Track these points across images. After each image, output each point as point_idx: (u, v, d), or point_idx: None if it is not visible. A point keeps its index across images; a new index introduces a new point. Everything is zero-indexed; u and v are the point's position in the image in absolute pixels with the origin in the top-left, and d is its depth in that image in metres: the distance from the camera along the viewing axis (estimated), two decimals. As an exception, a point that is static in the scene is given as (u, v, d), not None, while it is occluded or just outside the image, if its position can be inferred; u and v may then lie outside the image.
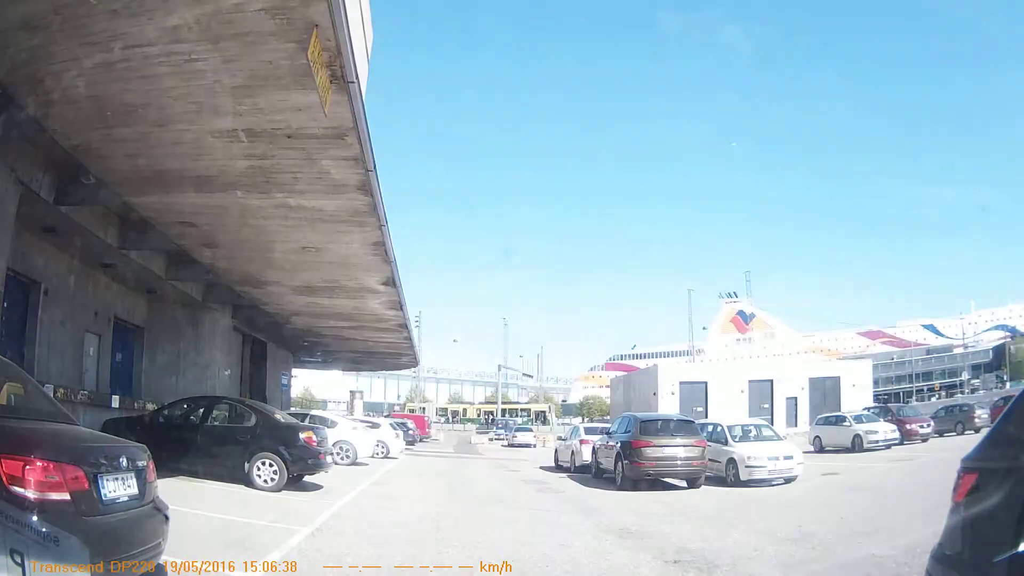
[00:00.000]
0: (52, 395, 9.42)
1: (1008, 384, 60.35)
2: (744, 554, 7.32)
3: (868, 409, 30.20)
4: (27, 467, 3.60)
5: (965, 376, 75.53)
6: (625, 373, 77.03)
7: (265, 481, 11.52)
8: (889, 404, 38.89)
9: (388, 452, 24.12)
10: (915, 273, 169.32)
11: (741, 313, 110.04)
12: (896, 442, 23.95)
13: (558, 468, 21.79)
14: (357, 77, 8.31)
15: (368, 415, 41.08)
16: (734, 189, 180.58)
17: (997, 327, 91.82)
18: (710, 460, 15.53)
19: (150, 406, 16.85)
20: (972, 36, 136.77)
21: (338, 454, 18.19)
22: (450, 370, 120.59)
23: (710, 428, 17.47)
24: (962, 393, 64.40)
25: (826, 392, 45.34)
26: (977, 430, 25.37)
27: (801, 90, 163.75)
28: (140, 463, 4.62)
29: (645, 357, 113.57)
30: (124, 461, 4.44)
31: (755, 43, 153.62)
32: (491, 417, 73.11)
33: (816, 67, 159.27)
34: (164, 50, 7.49)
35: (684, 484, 15.02)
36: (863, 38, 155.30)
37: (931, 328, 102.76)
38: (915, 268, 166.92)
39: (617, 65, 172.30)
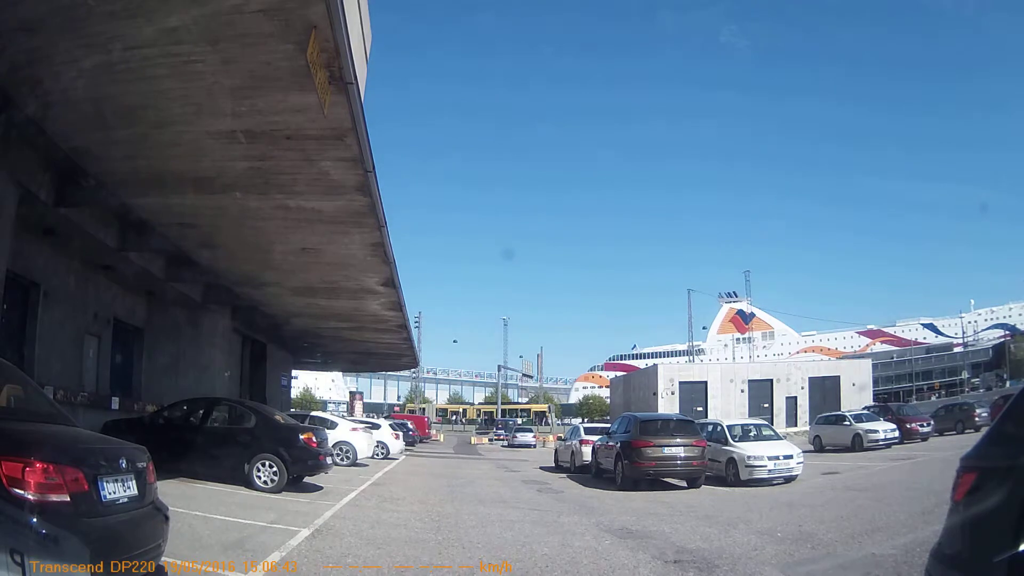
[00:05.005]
0: (52, 397, 9.43)
1: (1008, 383, 60.35)
2: (744, 554, 7.32)
3: (868, 408, 30.23)
4: (27, 469, 3.61)
5: (965, 375, 75.54)
6: (625, 373, 77.01)
7: (265, 482, 11.51)
8: (889, 403, 38.89)
9: (388, 453, 24.11)
10: (915, 272, 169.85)
11: (741, 313, 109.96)
12: (896, 441, 23.95)
13: (558, 468, 21.78)
14: (356, 78, 8.31)
15: (368, 416, 41.05)
16: (734, 189, 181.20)
17: (997, 326, 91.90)
18: (710, 460, 15.53)
19: (150, 407, 16.85)
20: (972, 33, 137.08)
21: (338, 455, 18.17)
22: (450, 371, 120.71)
23: (710, 428, 17.48)
24: (962, 392, 64.38)
25: (826, 391, 45.38)
26: (977, 429, 25.39)
27: (800, 88, 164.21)
28: (140, 464, 4.62)
29: (645, 357, 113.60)
30: (124, 462, 4.44)
31: (754, 41, 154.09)
32: (491, 417, 73.08)
33: (816, 67, 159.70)
34: (163, 51, 7.50)
35: (684, 484, 15.02)
36: (862, 37, 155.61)
37: (931, 327, 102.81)
38: (915, 267, 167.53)
39: (618, 64, 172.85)
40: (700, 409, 44.31)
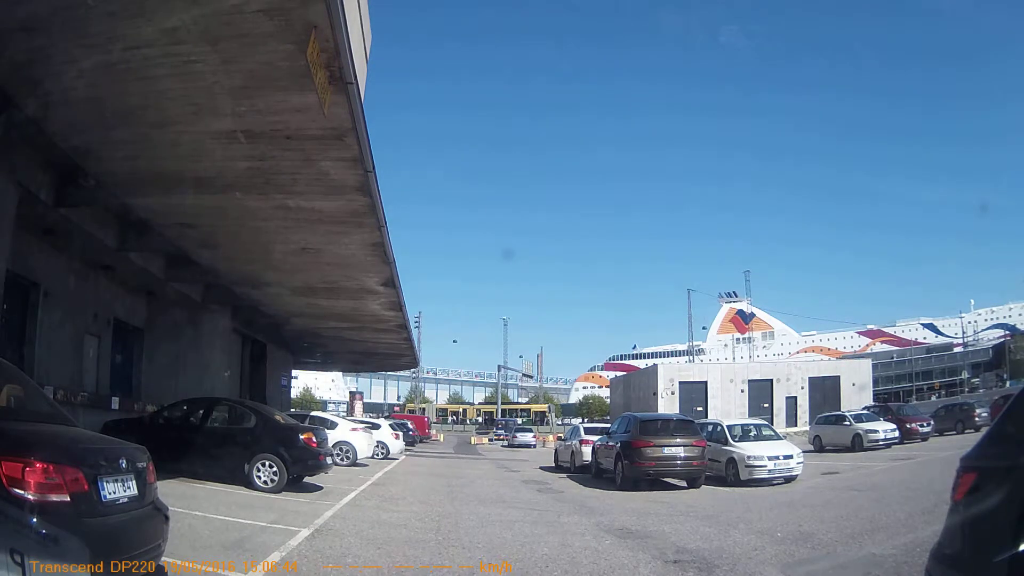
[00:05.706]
0: (52, 397, 9.43)
1: (1008, 383, 60.32)
2: (744, 554, 7.32)
3: (868, 408, 30.23)
4: (27, 469, 3.61)
5: (965, 375, 75.52)
6: (625, 373, 77.02)
7: (265, 482, 11.51)
8: (889, 403, 38.87)
9: (388, 453, 24.10)
10: (915, 272, 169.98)
11: (741, 313, 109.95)
12: (896, 441, 23.97)
13: (558, 468, 21.79)
14: (356, 78, 8.31)
15: (368, 416, 41.04)
16: (734, 189, 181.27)
17: (997, 326, 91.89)
18: (710, 460, 15.53)
19: (150, 407, 16.84)
20: (973, 33, 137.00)
21: (338, 455, 18.17)
22: (450, 371, 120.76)
23: (710, 428, 17.48)
24: (962, 392, 64.36)
25: (826, 392, 45.39)
26: (977, 429, 25.40)
27: (800, 88, 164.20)
28: (140, 464, 4.62)
29: (645, 357, 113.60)
30: (124, 462, 4.44)
31: (754, 40, 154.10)
32: (491, 417, 73.08)
33: (816, 66, 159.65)
34: (163, 51, 7.50)
35: (684, 484, 15.02)
36: (862, 37, 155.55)
37: (931, 327, 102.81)
38: (915, 267, 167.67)
39: (618, 62, 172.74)
40: (700, 409, 44.32)
